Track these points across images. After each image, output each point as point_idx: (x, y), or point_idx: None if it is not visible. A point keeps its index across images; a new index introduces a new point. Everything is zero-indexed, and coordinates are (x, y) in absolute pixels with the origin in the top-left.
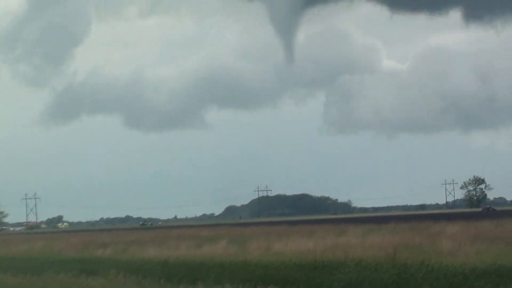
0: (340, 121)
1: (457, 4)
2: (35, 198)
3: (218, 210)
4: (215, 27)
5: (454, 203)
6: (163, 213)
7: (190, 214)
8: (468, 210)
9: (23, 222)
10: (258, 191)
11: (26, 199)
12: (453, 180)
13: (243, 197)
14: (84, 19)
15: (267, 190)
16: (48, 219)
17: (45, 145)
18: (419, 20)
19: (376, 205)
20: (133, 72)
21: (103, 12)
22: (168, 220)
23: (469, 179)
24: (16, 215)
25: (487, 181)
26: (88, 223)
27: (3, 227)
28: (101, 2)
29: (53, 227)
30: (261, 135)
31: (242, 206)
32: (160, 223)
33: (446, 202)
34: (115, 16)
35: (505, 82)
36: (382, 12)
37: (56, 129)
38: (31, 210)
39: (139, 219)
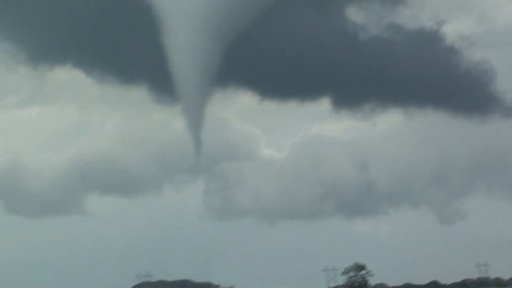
0: (220, 208)
1: (326, 91)
2: None
3: None
4: (96, 115)
5: None
6: None
7: None
8: None
9: None
10: (139, 276)
11: None
12: (334, 267)
13: (124, 283)
14: None
15: (148, 276)
16: None
17: None
18: (291, 108)
19: None
20: (13, 159)
21: None
22: None
23: (350, 265)
24: None
25: (368, 267)
26: None
27: None
28: None
29: None
30: (142, 222)
31: None
32: None
33: None
34: None
35: (380, 169)
36: (256, 100)
37: None
38: None
39: None
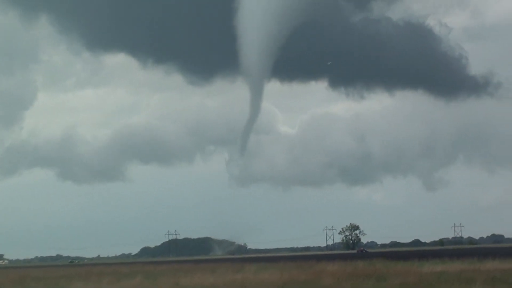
0: (240, 175)
1: (323, 74)
2: None
3: (134, 250)
4: (140, 96)
5: (333, 246)
6: (88, 253)
7: (111, 254)
8: (345, 251)
9: None
10: (168, 234)
11: None
12: (332, 226)
13: (156, 240)
14: (32, 88)
15: (176, 234)
16: None
17: None
18: (297, 88)
19: (268, 247)
20: (68, 133)
21: (47, 83)
22: (92, 259)
23: (346, 226)
24: None
25: (361, 227)
26: (24, 260)
27: None
28: (45, 74)
29: None
30: (174, 187)
31: (155, 247)
32: (85, 261)
33: (327, 245)
34: (57, 87)
35: (375, 143)
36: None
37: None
38: None
39: (67, 257)
